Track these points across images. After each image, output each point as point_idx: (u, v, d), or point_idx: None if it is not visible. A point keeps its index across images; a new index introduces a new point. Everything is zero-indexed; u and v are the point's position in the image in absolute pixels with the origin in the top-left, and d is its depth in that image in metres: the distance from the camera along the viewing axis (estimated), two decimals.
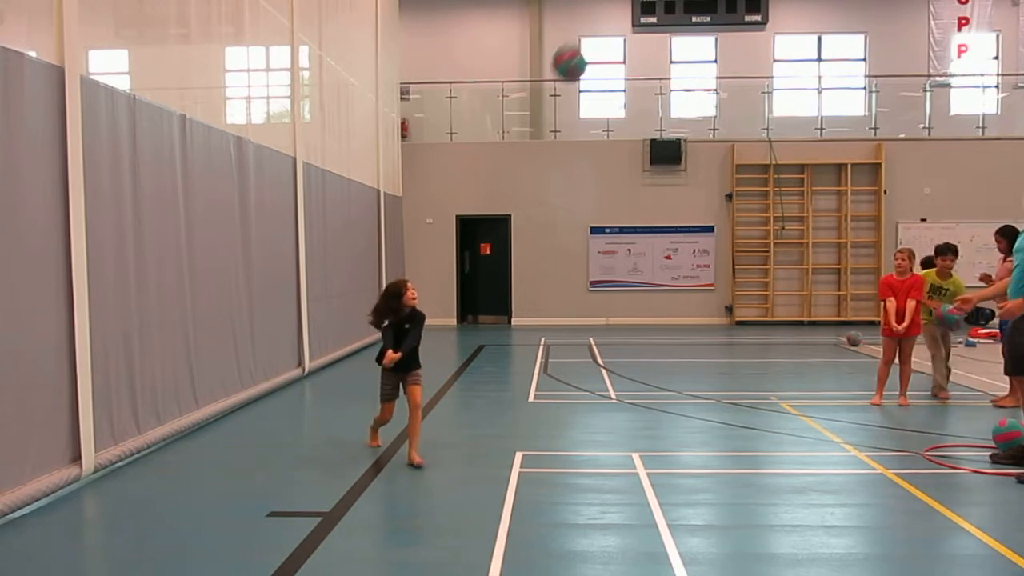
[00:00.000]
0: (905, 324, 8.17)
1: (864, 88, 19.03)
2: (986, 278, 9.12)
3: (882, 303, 8.48)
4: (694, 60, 19.56)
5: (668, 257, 17.78)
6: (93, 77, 5.92)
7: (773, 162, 17.42)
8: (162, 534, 4.73)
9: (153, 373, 6.59)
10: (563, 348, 13.36)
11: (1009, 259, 7.47)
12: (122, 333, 6.14)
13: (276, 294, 9.59)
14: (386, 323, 6.19)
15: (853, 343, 13.38)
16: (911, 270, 8.39)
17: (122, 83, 6.84)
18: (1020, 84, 18.82)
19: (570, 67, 6.33)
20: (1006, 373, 6.56)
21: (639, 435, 7.18)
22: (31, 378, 5.08)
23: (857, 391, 9.09)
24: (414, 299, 6.17)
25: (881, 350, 8.56)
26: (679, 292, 17.78)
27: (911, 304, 8.16)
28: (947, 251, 8.42)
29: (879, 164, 17.36)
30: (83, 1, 5.56)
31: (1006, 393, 8.21)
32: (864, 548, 4.51)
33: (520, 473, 5.81)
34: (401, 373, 6.20)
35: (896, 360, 8.34)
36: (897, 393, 8.29)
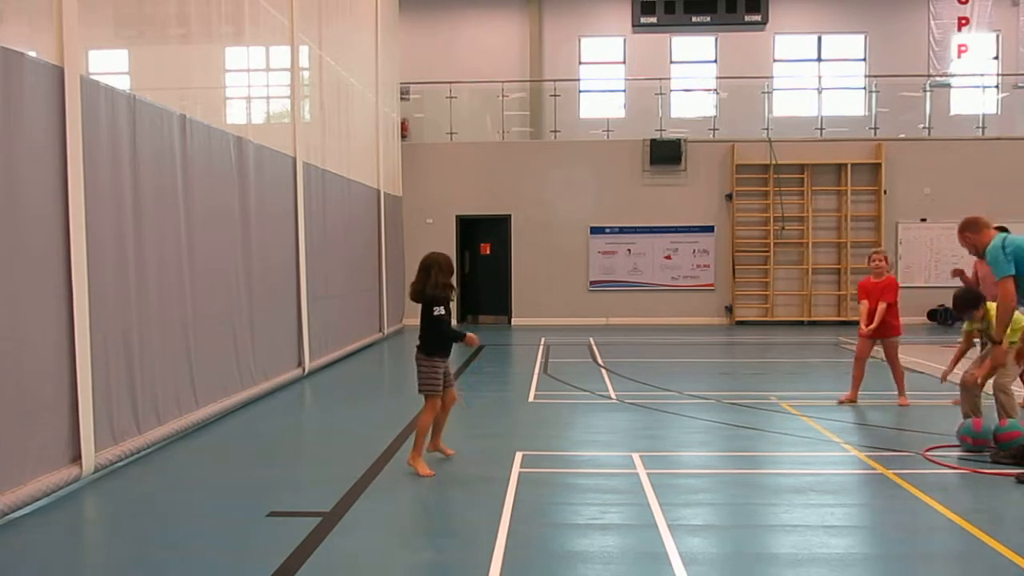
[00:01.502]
0: (873, 326, 8.15)
1: (864, 88, 19.04)
2: (959, 273, 8.81)
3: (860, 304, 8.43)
4: (694, 60, 19.58)
5: (668, 257, 17.78)
6: (93, 77, 5.92)
7: (773, 162, 17.42)
8: (162, 534, 4.73)
9: (153, 373, 6.59)
10: (563, 348, 13.36)
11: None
12: (122, 333, 6.14)
13: (276, 294, 9.59)
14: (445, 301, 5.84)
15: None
16: (887, 271, 8.36)
17: (122, 83, 6.85)
18: (1020, 84, 18.83)
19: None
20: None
21: (639, 435, 7.17)
22: (31, 378, 5.08)
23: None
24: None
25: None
26: (679, 292, 17.79)
27: (881, 306, 8.10)
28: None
29: (879, 164, 17.37)
30: (83, 1, 5.56)
31: None
32: (864, 548, 4.51)
33: (520, 473, 5.81)
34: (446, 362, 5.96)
35: (887, 360, 8.37)
36: (896, 394, 8.30)
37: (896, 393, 8.35)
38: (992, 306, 6.34)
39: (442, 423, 6.15)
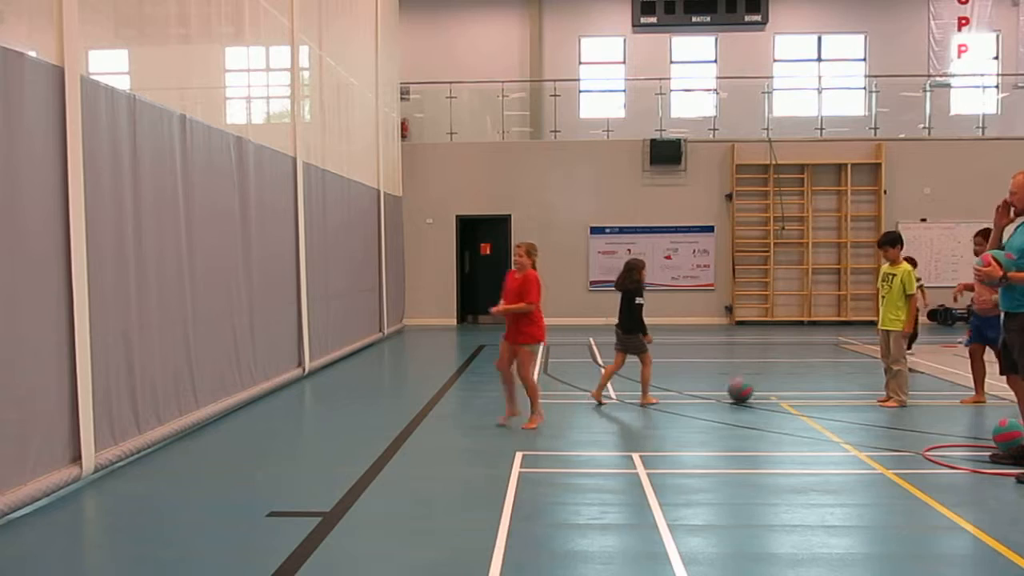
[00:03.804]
0: (498, 310, 7.23)
1: (864, 88, 19.03)
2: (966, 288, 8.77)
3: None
4: (694, 60, 19.57)
5: (668, 257, 17.78)
6: (93, 77, 5.92)
7: (773, 162, 17.42)
8: (162, 534, 4.73)
9: (153, 373, 6.59)
10: (563, 348, 13.35)
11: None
12: (122, 333, 6.14)
13: (276, 294, 9.59)
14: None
15: (736, 395, 8.49)
16: (532, 266, 7.31)
17: (122, 83, 6.85)
18: (1020, 84, 18.82)
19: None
20: (1001, 373, 6.54)
21: (639, 435, 7.17)
22: (31, 378, 5.08)
23: (857, 391, 9.09)
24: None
25: None
26: (679, 292, 17.78)
27: (515, 305, 7.11)
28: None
29: (879, 164, 17.37)
30: (83, 1, 5.56)
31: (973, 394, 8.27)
32: (864, 548, 4.51)
33: (520, 473, 5.81)
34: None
35: (517, 372, 7.36)
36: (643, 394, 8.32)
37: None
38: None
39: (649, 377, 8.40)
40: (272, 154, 9.46)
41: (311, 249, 10.74)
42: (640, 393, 8.42)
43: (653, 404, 8.28)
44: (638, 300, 8.25)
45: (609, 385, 9.73)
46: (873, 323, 15.50)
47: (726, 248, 17.71)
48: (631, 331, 8.29)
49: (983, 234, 8.10)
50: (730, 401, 8.41)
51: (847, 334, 15.05)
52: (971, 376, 8.40)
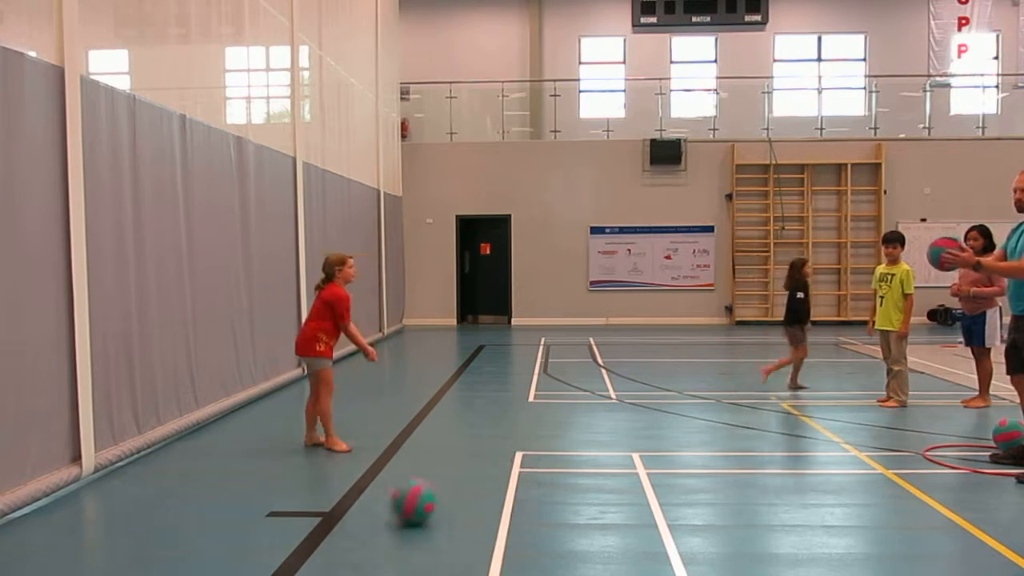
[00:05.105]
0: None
1: (864, 88, 19.03)
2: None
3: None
4: (694, 60, 19.57)
5: (668, 257, 17.78)
6: (93, 77, 5.92)
7: (773, 162, 17.42)
8: (162, 534, 4.73)
9: (153, 373, 6.59)
10: (563, 348, 13.36)
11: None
12: (122, 333, 6.13)
13: (276, 294, 9.58)
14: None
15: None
16: (334, 280, 6.51)
17: (122, 83, 6.84)
18: (1020, 84, 18.82)
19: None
20: (1008, 373, 6.54)
21: (639, 435, 7.17)
22: (31, 378, 5.08)
23: (857, 391, 9.09)
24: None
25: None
26: (679, 292, 17.78)
27: (346, 328, 6.58)
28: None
29: (879, 164, 17.37)
30: (83, 1, 5.56)
31: (976, 394, 8.24)
32: (864, 548, 4.51)
33: (520, 473, 5.81)
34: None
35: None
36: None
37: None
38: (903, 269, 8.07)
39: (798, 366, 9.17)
40: (272, 154, 9.46)
41: (311, 249, 10.73)
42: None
43: (803, 389, 8.98)
44: (799, 295, 9.01)
45: (609, 384, 9.74)
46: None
47: (726, 248, 17.71)
48: (789, 323, 9.11)
49: (978, 229, 8.11)
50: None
51: (847, 334, 15.05)
52: (974, 376, 8.38)
